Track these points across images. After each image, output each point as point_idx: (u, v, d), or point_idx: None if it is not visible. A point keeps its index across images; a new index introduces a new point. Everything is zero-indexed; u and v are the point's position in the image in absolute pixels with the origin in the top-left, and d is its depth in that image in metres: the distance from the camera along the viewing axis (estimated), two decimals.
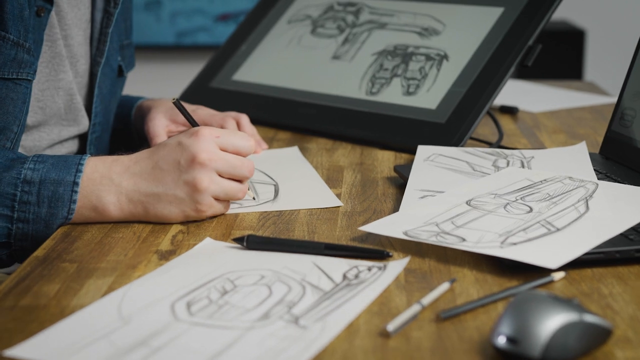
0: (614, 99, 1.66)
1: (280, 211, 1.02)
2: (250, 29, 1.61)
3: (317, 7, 1.58)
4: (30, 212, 0.96)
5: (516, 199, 1.00)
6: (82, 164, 0.97)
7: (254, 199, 1.06)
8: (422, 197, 1.02)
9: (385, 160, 1.25)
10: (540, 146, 1.32)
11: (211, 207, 0.97)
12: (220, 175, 0.97)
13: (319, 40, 1.52)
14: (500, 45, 1.32)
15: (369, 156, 1.27)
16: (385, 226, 0.93)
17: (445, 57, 1.36)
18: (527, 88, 1.78)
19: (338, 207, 1.04)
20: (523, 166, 1.14)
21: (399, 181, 1.14)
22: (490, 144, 1.31)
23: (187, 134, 0.98)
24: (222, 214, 1.00)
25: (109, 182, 0.96)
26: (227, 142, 0.98)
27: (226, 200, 1.00)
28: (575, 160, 1.16)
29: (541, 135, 1.39)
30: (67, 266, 0.87)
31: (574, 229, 0.90)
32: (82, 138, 1.25)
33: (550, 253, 0.85)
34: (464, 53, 1.35)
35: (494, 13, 1.37)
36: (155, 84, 3.13)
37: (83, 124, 1.22)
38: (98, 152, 1.29)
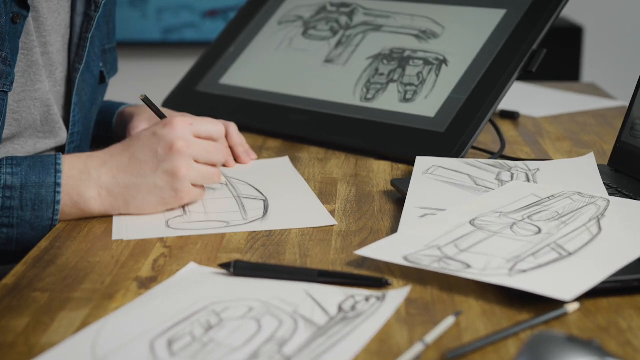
0: (617, 103, 1.60)
1: (270, 231, 0.95)
2: (238, 29, 1.54)
3: (309, 8, 1.51)
4: (14, 216, 0.96)
5: (523, 218, 0.93)
6: (59, 164, 0.97)
7: (226, 184, 1.10)
8: (422, 216, 0.96)
9: (381, 171, 1.18)
10: (544, 155, 1.26)
11: (189, 193, 0.99)
12: (196, 161, 0.99)
13: (310, 42, 1.45)
14: (502, 50, 1.25)
15: (364, 167, 1.20)
16: (384, 250, 0.86)
17: (444, 61, 1.29)
18: (526, 90, 1.72)
19: (332, 226, 0.97)
20: (528, 180, 1.08)
21: (397, 195, 1.07)
22: (492, 154, 1.24)
23: (160, 124, 1.00)
24: (199, 199, 1.02)
25: (87, 178, 0.97)
26: (200, 129, 1.01)
27: (201, 185, 1.02)
28: (583, 173, 1.10)
29: (544, 143, 1.32)
30: (38, 296, 0.80)
31: (587, 254, 0.83)
32: (60, 150, 1.18)
33: (563, 282, 0.78)
34: (464, 57, 1.28)
35: (495, 15, 1.30)
36: (141, 82, 3.05)
37: (60, 135, 1.15)
38: None
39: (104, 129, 1.31)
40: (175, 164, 0.97)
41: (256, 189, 1.09)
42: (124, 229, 0.96)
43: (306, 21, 1.49)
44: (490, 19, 1.30)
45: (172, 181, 0.97)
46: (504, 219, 0.93)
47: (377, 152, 1.24)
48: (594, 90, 1.75)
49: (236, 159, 1.21)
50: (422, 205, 0.99)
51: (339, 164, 1.21)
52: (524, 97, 1.59)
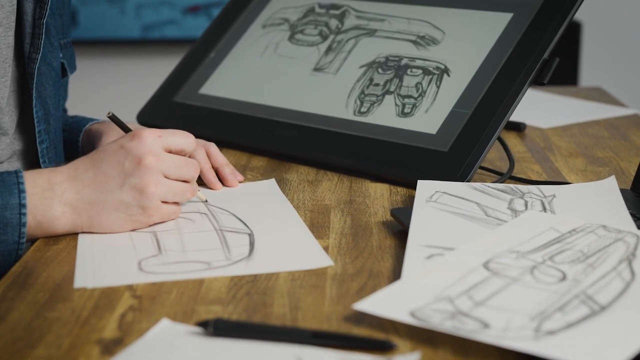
0: (629, 111, 1.49)
1: (256, 275, 0.84)
2: (219, 33, 1.42)
3: (296, 10, 1.39)
4: None
5: (544, 259, 0.81)
6: (21, 183, 0.90)
7: (206, 201, 1.02)
8: (428, 257, 0.84)
9: (378, 196, 1.06)
10: (557, 175, 1.14)
11: (159, 211, 0.94)
12: (166, 177, 0.93)
13: (298, 48, 1.33)
14: (510, 58, 1.13)
15: (359, 191, 1.08)
16: (387, 303, 0.75)
17: (445, 71, 1.17)
18: (529, 97, 1.60)
19: (326, 267, 0.85)
20: (544, 209, 0.96)
21: (397, 227, 0.95)
22: (499, 174, 1.13)
23: (127, 137, 0.94)
24: (172, 219, 0.96)
25: (50, 195, 0.91)
26: (170, 142, 0.95)
27: (174, 203, 0.96)
28: (605, 200, 0.98)
29: (556, 160, 1.20)
30: None
31: (622, 309, 0.72)
32: (32, 150, 1.08)
33: (599, 347, 0.67)
34: (467, 67, 1.16)
35: (501, 19, 1.19)
36: (120, 81, 2.92)
37: (24, 137, 1.06)
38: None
39: (69, 148, 1.19)
40: (143, 179, 0.91)
41: (240, 220, 0.97)
42: (89, 274, 0.84)
43: (293, 24, 1.37)
44: (496, 23, 1.19)
45: (139, 198, 0.91)
46: (522, 260, 0.81)
47: (372, 173, 1.12)
48: (601, 96, 1.64)
49: (223, 181, 1.09)
50: (427, 242, 0.87)
51: (331, 187, 1.09)
52: (527, 105, 1.48)
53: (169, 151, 0.94)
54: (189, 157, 0.99)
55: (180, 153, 0.95)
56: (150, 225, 0.94)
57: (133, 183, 0.91)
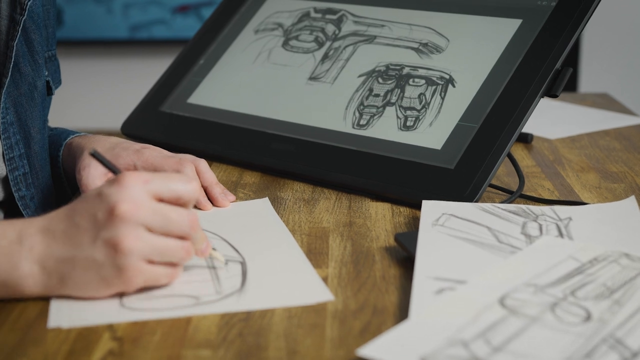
0: (639, 120, 1.42)
1: (249, 312, 0.76)
2: (209, 39, 1.34)
3: (290, 14, 1.31)
4: None
5: (565, 295, 0.74)
6: None
7: (226, 263, 0.84)
8: (437, 291, 0.77)
9: (380, 217, 0.99)
10: (569, 192, 1.07)
11: (141, 273, 0.76)
12: (150, 231, 0.76)
13: (292, 55, 1.25)
14: (520, 68, 1.06)
15: (359, 211, 1.01)
16: (394, 348, 0.67)
17: (450, 81, 1.10)
18: None
19: (326, 302, 0.78)
20: (561, 233, 0.89)
21: (402, 254, 0.88)
22: (509, 192, 1.06)
23: (109, 182, 0.77)
24: (167, 284, 0.79)
25: (18, 249, 0.76)
26: (161, 188, 0.76)
27: (170, 264, 0.78)
28: (625, 224, 0.91)
29: (567, 176, 1.13)
30: None
31: None
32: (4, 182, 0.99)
33: None
34: (474, 77, 1.09)
35: (509, 26, 1.11)
36: (107, 84, 2.84)
37: None
38: (39, 195, 1.05)
39: (50, 163, 1.11)
40: (117, 232, 0.74)
41: (232, 246, 0.90)
42: (65, 311, 0.76)
43: (287, 30, 1.29)
44: (504, 30, 1.11)
45: (113, 255, 0.74)
46: (542, 295, 0.74)
47: (373, 192, 1.05)
48: (609, 103, 1.57)
49: (213, 201, 1.02)
50: (435, 274, 0.80)
51: (329, 207, 1.02)
52: (533, 114, 1.40)
53: (160, 199, 0.76)
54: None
55: (175, 202, 0.77)
56: None
57: (105, 237, 0.74)
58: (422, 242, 0.86)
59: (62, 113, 2.86)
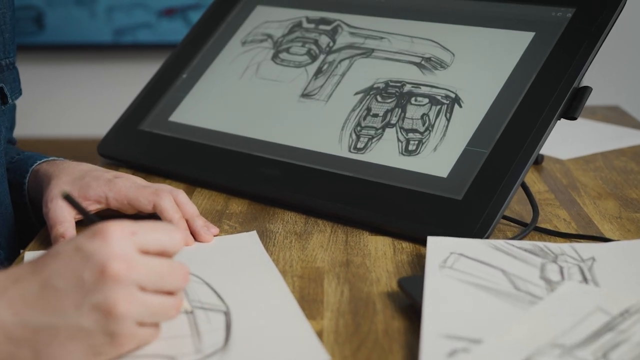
0: None
1: None
2: (193, 51, 1.24)
3: (280, 24, 1.21)
4: None
5: (596, 358, 0.64)
6: None
7: (191, 312, 0.75)
8: (450, 354, 0.67)
9: (380, 254, 0.89)
10: (587, 223, 0.97)
11: (134, 337, 0.67)
12: (142, 290, 0.67)
13: (282, 69, 1.15)
14: (533, 87, 0.96)
15: (357, 247, 0.91)
16: None
17: (456, 100, 1.00)
18: None
19: None
20: (584, 278, 0.79)
21: (406, 301, 0.78)
22: (522, 224, 0.96)
23: (87, 234, 0.67)
24: (150, 342, 0.69)
25: None
26: (147, 241, 0.68)
27: (154, 324, 0.69)
28: None
29: (583, 203, 1.03)
30: None
31: None
32: None
33: None
34: (482, 96, 0.99)
35: (521, 39, 1.01)
36: (89, 90, 2.73)
37: None
38: None
39: (15, 191, 1.00)
40: (110, 295, 0.65)
41: (215, 292, 0.80)
42: None
43: (277, 41, 1.19)
44: (515, 44, 1.02)
45: (105, 322, 0.65)
46: (569, 359, 0.64)
47: (372, 224, 0.95)
48: (621, 117, 1.47)
49: (194, 236, 0.92)
50: (447, 331, 0.70)
51: (323, 242, 0.92)
52: None
53: (146, 252, 0.68)
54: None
55: (159, 254, 0.69)
56: None
57: (95, 302, 0.65)
58: (429, 290, 0.76)
59: (43, 121, 2.75)
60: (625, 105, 1.65)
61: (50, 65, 2.70)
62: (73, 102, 2.74)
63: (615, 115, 1.48)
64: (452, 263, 0.81)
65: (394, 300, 0.79)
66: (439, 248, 0.84)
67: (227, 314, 0.76)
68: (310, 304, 0.78)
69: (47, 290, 0.65)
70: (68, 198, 0.72)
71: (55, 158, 1.01)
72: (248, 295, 0.79)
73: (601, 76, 2.62)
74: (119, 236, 0.66)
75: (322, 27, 1.17)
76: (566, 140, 1.29)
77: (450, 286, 0.77)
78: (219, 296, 0.79)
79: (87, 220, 0.73)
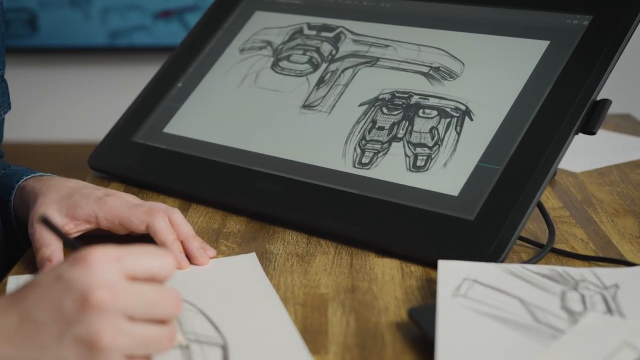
0: None
1: None
2: (188, 58, 1.18)
3: (280, 31, 1.15)
4: None
5: None
6: None
7: (187, 347, 0.69)
8: None
9: (387, 279, 0.83)
10: (606, 244, 0.92)
11: None
12: (131, 319, 0.62)
13: (283, 79, 1.09)
14: (549, 99, 0.91)
15: (363, 270, 0.85)
16: None
17: (467, 113, 0.95)
18: None
19: None
20: (608, 307, 0.74)
21: (416, 334, 0.73)
22: (537, 245, 0.90)
23: (69, 261, 0.62)
24: None
25: None
26: (134, 266, 0.63)
27: (144, 357, 0.63)
28: None
29: (600, 221, 0.98)
30: None
31: None
32: None
33: None
34: (495, 108, 0.93)
35: (535, 48, 0.96)
36: (85, 93, 2.68)
37: None
38: None
39: (0, 209, 0.95)
40: (93, 326, 0.60)
41: (212, 323, 0.74)
42: None
43: (277, 49, 1.13)
44: (529, 53, 0.96)
45: (88, 355, 0.60)
46: None
47: (378, 245, 0.89)
48: (634, 126, 1.42)
49: (190, 258, 0.87)
50: None
51: (327, 265, 0.86)
52: None
53: (134, 279, 0.63)
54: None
55: (149, 280, 0.64)
56: None
57: (77, 334, 0.60)
58: (442, 323, 0.70)
59: (36, 125, 2.70)
60: (637, 113, 1.60)
61: (44, 69, 2.65)
62: (67, 106, 2.69)
63: (627, 124, 1.43)
64: (465, 291, 0.76)
65: (404, 332, 0.73)
66: (451, 273, 0.78)
67: (224, 348, 0.70)
68: (313, 335, 0.72)
69: (25, 324, 0.61)
70: (45, 222, 0.67)
71: (43, 174, 0.96)
72: (247, 327, 0.74)
73: (611, 83, 2.55)
74: (103, 262, 0.61)
75: (324, 34, 1.12)
76: (578, 152, 1.23)
77: (464, 317, 0.71)
78: (215, 327, 0.74)
79: (67, 246, 0.67)
